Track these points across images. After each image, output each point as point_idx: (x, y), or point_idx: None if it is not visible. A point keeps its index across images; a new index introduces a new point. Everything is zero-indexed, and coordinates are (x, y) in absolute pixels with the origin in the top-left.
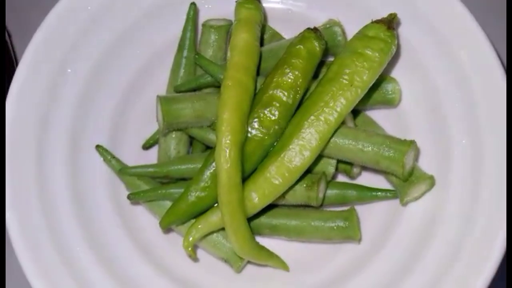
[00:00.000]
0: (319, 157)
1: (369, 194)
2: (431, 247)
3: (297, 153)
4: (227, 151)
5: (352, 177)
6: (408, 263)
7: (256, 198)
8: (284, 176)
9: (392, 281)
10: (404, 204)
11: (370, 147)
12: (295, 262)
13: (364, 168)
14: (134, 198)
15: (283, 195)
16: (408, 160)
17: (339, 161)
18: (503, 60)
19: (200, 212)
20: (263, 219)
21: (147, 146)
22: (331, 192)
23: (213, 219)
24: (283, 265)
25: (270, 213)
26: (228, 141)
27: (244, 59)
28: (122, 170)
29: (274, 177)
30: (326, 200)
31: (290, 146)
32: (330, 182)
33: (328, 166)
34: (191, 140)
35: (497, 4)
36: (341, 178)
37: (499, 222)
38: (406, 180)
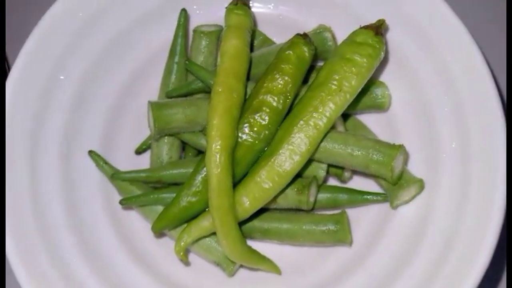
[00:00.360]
0: (310, 161)
1: (360, 198)
2: (420, 250)
3: (287, 157)
4: (217, 156)
5: (343, 181)
6: (398, 266)
7: (247, 202)
8: (275, 180)
9: (383, 284)
10: (394, 207)
11: (359, 152)
12: (287, 266)
13: (355, 172)
14: (126, 203)
15: (274, 199)
16: (397, 164)
17: (330, 165)
18: (504, 62)
19: (191, 217)
20: (255, 223)
21: (139, 151)
22: (322, 195)
23: (204, 223)
24: (275, 269)
25: (262, 217)
26: (218, 147)
27: (234, 65)
28: (115, 175)
29: (265, 181)
30: (318, 203)
31: (280, 151)
32: (322, 185)
33: (319, 170)
34: (184, 145)
35: (497, 7)
36: (332, 182)
37: (488, 224)
38: (396, 184)
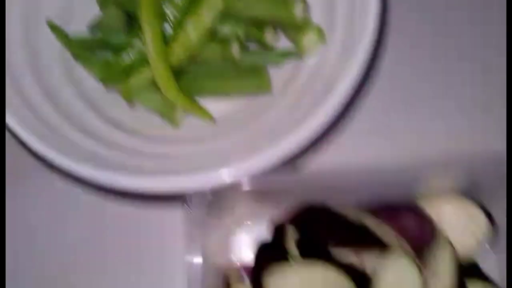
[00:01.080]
0: (231, 21)
1: (278, 56)
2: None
3: (208, 11)
4: (148, 7)
5: (265, 46)
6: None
7: (179, 50)
8: (199, 29)
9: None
10: (302, 58)
11: (268, 3)
12: (221, 116)
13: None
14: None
15: (202, 53)
16: (297, 10)
17: (249, 28)
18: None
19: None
20: (192, 83)
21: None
22: (246, 58)
23: (146, 73)
24: (208, 116)
25: (198, 77)
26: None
27: None
28: (66, 41)
29: (191, 31)
30: (242, 64)
31: (204, 4)
32: (245, 52)
33: (238, 29)
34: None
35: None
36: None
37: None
38: (299, 30)
